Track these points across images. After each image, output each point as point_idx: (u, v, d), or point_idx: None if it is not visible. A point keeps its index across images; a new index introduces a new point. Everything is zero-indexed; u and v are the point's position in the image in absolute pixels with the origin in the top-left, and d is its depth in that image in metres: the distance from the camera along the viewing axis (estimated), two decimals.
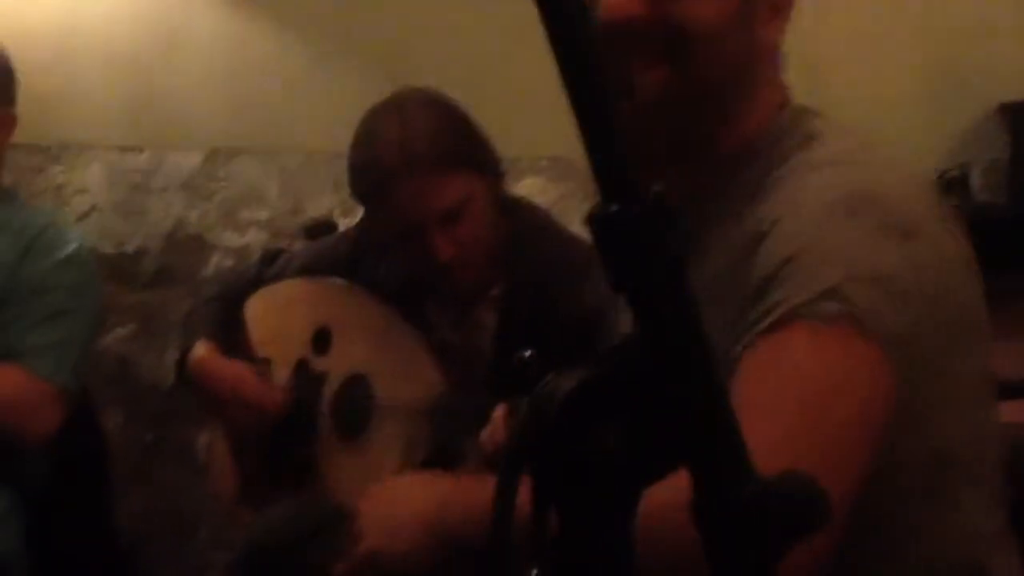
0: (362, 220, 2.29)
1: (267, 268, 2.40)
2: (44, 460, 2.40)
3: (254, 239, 3.06)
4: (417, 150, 1.97)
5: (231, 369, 2.22)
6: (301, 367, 2.26)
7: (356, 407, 2.14)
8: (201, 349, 2.26)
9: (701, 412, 0.62)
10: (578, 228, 2.60)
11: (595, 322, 1.96)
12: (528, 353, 0.72)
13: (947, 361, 1.22)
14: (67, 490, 2.44)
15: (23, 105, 2.43)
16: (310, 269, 2.31)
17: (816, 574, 1.04)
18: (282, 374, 2.28)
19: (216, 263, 3.07)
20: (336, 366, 2.20)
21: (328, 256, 2.30)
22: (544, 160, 3.08)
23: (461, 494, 1.35)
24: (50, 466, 2.41)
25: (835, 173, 1.24)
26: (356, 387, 2.16)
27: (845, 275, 1.15)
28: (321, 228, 2.73)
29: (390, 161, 1.98)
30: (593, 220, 0.64)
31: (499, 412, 1.73)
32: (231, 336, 2.32)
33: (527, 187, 2.99)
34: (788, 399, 1.12)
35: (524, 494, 0.67)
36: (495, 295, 2.10)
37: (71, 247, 2.45)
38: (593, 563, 0.63)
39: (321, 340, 2.24)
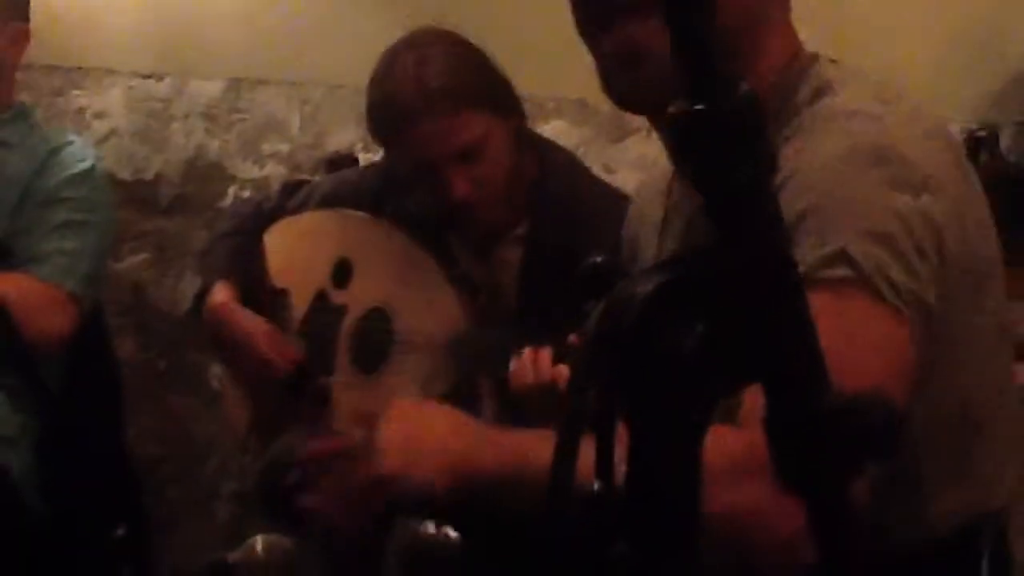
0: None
1: (288, 199, 2.39)
2: (55, 381, 2.41)
3: (273, 171, 3.04)
4: (433, 88, 1.97)
5: (245, 322, 2.22)
6: (320, 299, 2.25)
7: (375, 341, 2.14)
8: (219, 294, 2.25)
9: (781, 321, 0.60)
10: (599, 174, 2.59)
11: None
12: (601, 258, 0.69)
13: (963, 316, 1.21)
14: (80, 414, 2.44)
15: (46, 27, 2.41)
16: (332, 201, 2.30)
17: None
18: (300, 305, 2.27)
19: (234, 194, 3.06)
20: (356, 299, 2.20)
21: (352, 188, 2.29)
22: (568, 103, 3.05)
23: (493, 440, 1.28)
24: (62, 388, 2.42)
25: (849, 125, 1.22)
26: (375, 320, 2.15)
27: (855, 234, 1.13)
28: (342, 162, 2.71)
29: (406, 99, 1.98)
30: (677, 119, 0.62)
31: (528, 354, 1.71)
32: (249, 267, 2.31)
33: (550, 129, 2.97)
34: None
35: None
36: (520, 232, 2.09)
37: (86, 164, 2.46)
38: (662, 479, 0.62)
39: (341, 272, 2.23)
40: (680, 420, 0.61)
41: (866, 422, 0.59)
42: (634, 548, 0.62)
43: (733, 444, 0.90)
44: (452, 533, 1.47)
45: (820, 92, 1.27)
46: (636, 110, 1.39)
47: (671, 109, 0.62)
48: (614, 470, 0.63)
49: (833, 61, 1.33)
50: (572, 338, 1.77)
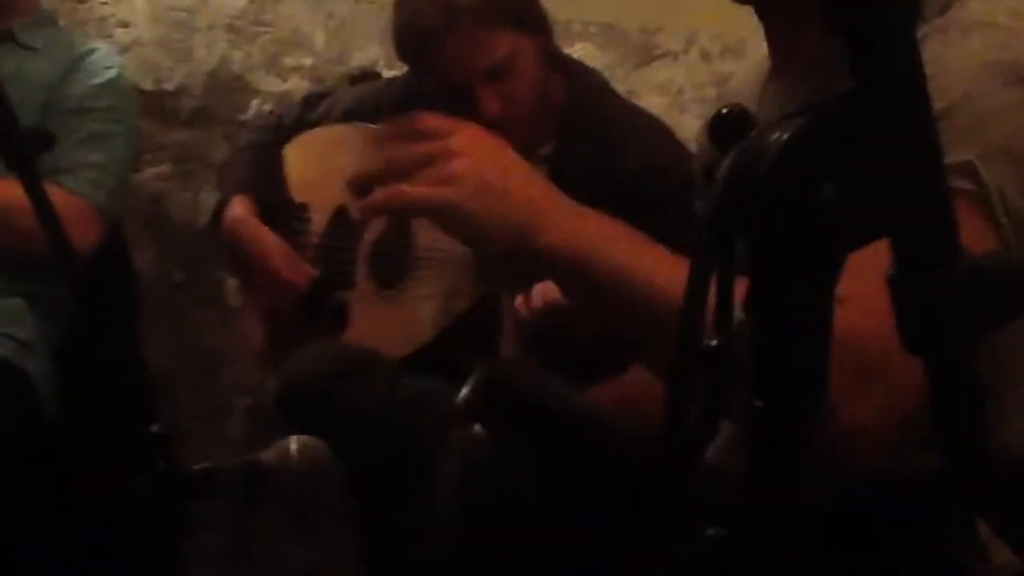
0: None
1: (310, 112, 2.37)
2: (75, 285, 2.40)
3: (296, 86, 3.02)
4: (459, 6, 1.96)
5: (262, 240, 2.21)
6: (339, 214, 2.24)
7: (395, 256, 2.13)
8: (237, 207, 2.25)
9: (916, 176, 0.59)
10: (625, 96, 2.56)
11: (646, 184, 1.94)
12: (729, 108, 0.67)
13: None
14: (97, 323, 2.44)
15: None
16: (354, 114, 2.28)
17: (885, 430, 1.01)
18: (320, 220, 2.26)
19: (256, 107, 3.03)
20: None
21: (374, 102, 2.27)
22: (595, 26, 3.02)
23: (577, 220, 1.18)
24: (80, 295, 2.41)
25: (988, 36, 1.19)
26: (396, 235, 2.15)
27: (984, 148, 1.12)
28: (365, 79, 2.69)
29: (433, 18, 1.97)
30: None
31: (539, 287, 1.70)
32: (269, 181, 2.30)
33: (577, 53, 2.94)
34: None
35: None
36: (546, 152, 2.08)
37: (112, 72, 2.44)
38: (791, 332, 0.60)
39: (362, 187, 2.21)
40: (811, 274, 0.60)
41: (997, 285, 0.58)
42: (761, 399, 0.61)
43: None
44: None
45: (948, 4, 1.23)
46: None
47: None
48: (732, 324, 0.62)
49: None
50: None
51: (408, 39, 2.05)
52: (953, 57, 1.18)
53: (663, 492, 0.69)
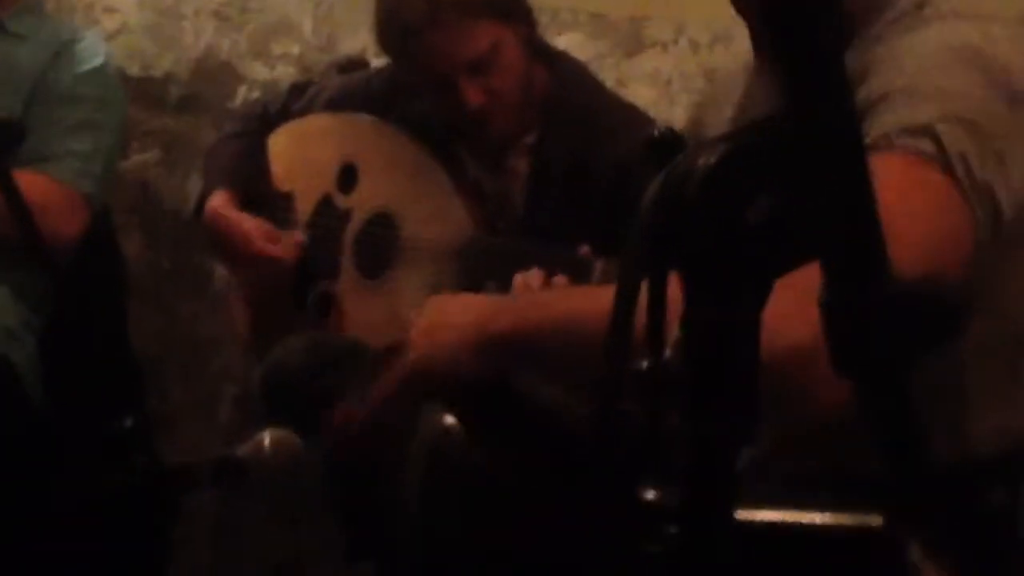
0: None
1: (295, 100, 2.37)
2: (61, 276, 2.40)
3: (283, 73, 3.01)
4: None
5: (241, 224, 2.21)
6: (324, 203, 2.24)
7: (380, 246, 2.13)
8: (218, 200, 2.24)
9: (844, 197, 0.59)
10: (613, 88, 2.55)
11: (628, 175, 1.95)
12: (662, 130, 0.68)
13: None
14: (84, 310, 2.44)
15: None
16: (339, 103, 2.28)
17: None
18: (305, 209, 2.26)
19: (243, 95, 3.03)
20: (361, 203, 2.18)
21: (360, 91, 2.27)
22: (584, 15, 3.01)
23: (511, 304, 1.36)
24: (67, 284, 2.41)
25: (953, 25, 1.20)
26: (381, 226, 2.14)
27: (942, 114, 1.12)
28: (353, 67, 2.68)
29: (415, 11, 1.97)
30: None
31: (534, 277, 1.71)
32: (252, 171, 2.30)
33: (565, 42, 2.93)
34: None
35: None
36: (529, 142, 2.08)
37: (98, 60, 2.43)
38: (720, 353, 0.60)
39: (347, 176, 2.21)
40: (740, 293, 0.60)
41: (928, 309, 0.58)
42: (689, 419, 0.61)
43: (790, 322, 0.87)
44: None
45: (924, 1, 1.24)
46: None
47: None
48: (663, 346, 0.63)
49: None
50: (583, 249, 1.76)
51: (390, 32, 2.05)
52: (916, 41, 1.19)
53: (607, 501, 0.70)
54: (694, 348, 0.61)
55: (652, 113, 2.45)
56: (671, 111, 2.91)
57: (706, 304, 0.61)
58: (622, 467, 0.67)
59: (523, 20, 2.06)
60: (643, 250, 0.63)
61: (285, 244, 2.19)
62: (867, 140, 1.10)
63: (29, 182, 2.31)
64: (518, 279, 1.72)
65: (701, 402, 0.61)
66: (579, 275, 1.65)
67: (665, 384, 0.64)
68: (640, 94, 2.86)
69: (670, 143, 0.66)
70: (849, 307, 0.59)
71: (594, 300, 1.18)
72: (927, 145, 1.11)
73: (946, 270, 1.08)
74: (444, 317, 1.36)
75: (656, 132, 0.69)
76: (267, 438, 1.25)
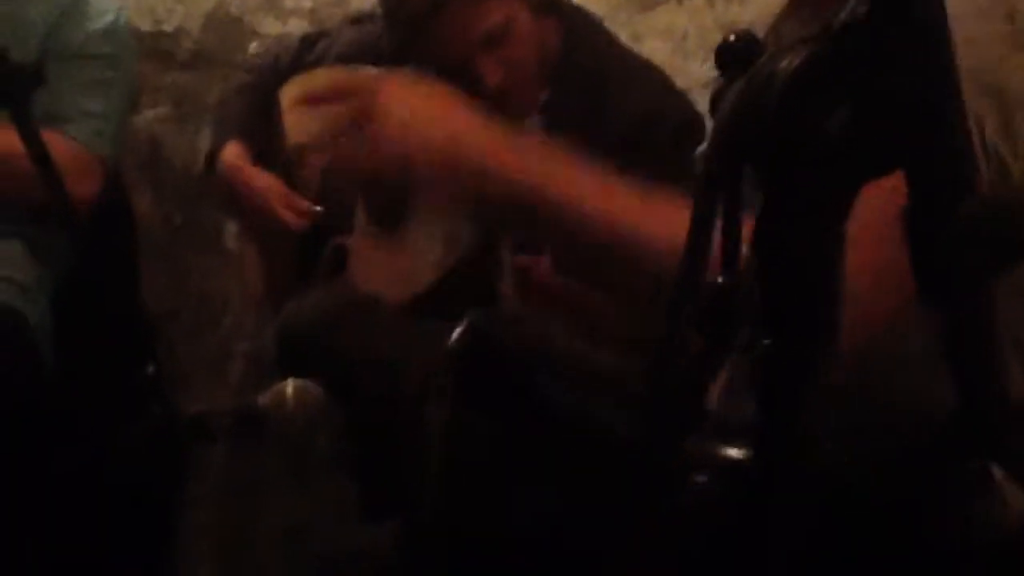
0: None
1: (307, 53, 2.35)
2: (73, 232, 2.39)
3: (295, 27, 2.98)
4: None
5: (257, 182, 2.19)
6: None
7: (394, 198, 2.12)
8: (231, 152, 2.23)
9: (931, 107, 0.57)
10: (627, 42, 2.53)
11: (643, 130, 1.92)
12: (739, 35, 0.65)
13: None
14: (96, 267, 2.43)
15: None
16: (351, 56, 2.26)
17: None
18: (317, 161, 2.24)
19: (255, 50, 3.00)
20: None
21: (372, 44, 2.25)
22: None
23: (512, 151, 1.21)
24: (79, 240, 2.40)
25: None
26: (394, 178, 2.13)
27: (963, 75, 1.11)
28: (365, 20, 2.66)
29: None
30: None
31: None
32: (265, 126, 2.28)
33: None
34: None
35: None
36: (543, 99, 2.05)
37: (110, 16, 2.41)
38: (801, 268, 0.58)
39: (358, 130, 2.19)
40: (822, 204, 0.58)
41: (1013, 222, 0.56)
42: (768, 335, 0.59)
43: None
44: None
45: None
46: None
47: None
48: (739, 260, 0.60)
49: None
50: None
51: (400, 19, 2.02)
52: None
53: (656, 440, 0.68)
54: (771, 264, 0.58)
55: (667, 68, 2.42)
56: (686, 66, 2.89)
57: (786, 218, 0.58)
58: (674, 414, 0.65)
59: None
60: (721, 161, 0.60)
61: (300, 212, 2.17)
62: None
63: (48, 142, 2.31)
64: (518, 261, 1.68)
65: (779, 318, 0.58)
66: None
67: (738, 303, 0.61)
68: (655, 48, 2.84)
69: (746, 48, 0.63)
70: (934, 219, 0.57)
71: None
72: None
73: None
74: (426, 111, 1.22)
75: (732, 36, 0.66)
76: (289, 387, 1.24)
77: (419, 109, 1.21)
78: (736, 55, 0.62)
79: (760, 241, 0.58)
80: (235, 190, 2.22)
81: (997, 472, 0.60)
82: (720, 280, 0.61)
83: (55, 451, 2.27)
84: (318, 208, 2.18)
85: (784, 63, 0.57)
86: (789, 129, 0.57)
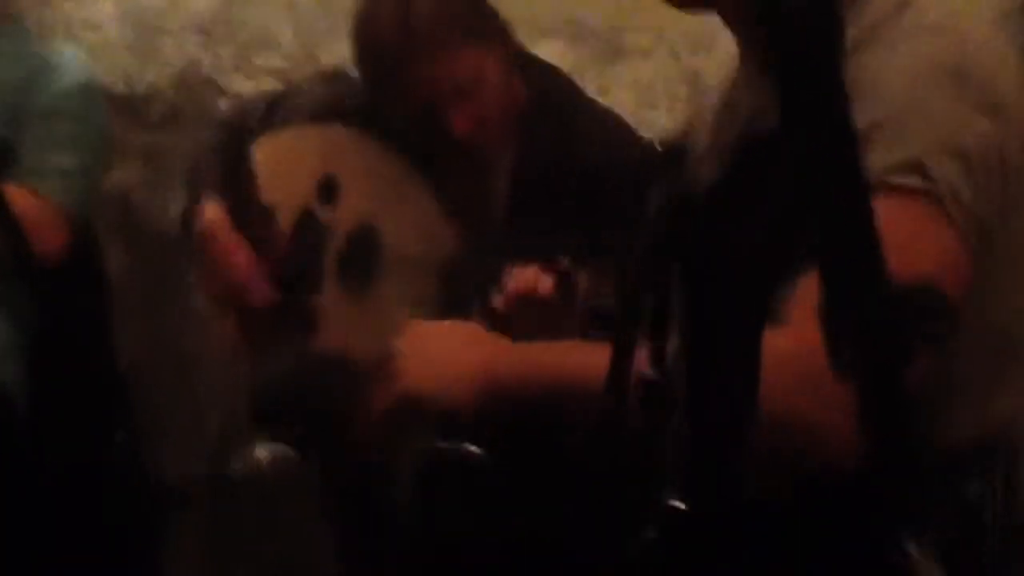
0: None
1: (276, 111, 2.36)
2: (45, 291, 2.40)
3: (265, 86, 3.01)
4: (420, 29, 1.94)
5: (235, 255, 2.20)
6: (306, 216, 2.24)
7: (363, 259, 2.13)
8: (210, 211, 2.23)
9: (842, 205, 0.59)
10: (594, 95, 2.56)
11: (605, 179, 1.95)
12: (664, 142, 0.69)
13: (1019, 237, 1.22)
14: (70, 327, 2.44)
15: None
16: (321, 115, 2.28)
17: None
18: (287, 221, 2.26)
19: (225, 108, 3.03)
20: (343, 216, 2.18)
21: (341, 102, 2.27)
22: (564, 23, 3.02)
23: (514, 351, 1.33)
24: (51, 299, 2.41)
25: (930, 41, 1.22)
26: (364, 239, 2.14)
27: (929, 146, 1.14)
28: (334, 77, 2.68)
29: (395, 42, 1.95)
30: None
31: (529, 272, 1.71)
32: (237, 184, 2.29)
33: (546, 50, 2.94)
34: None
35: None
36: (509, 152, 2.08)
37: (78, 75, 2.43)
38: (723, 366, 0.61)
39: (327, 189, 2.21)
40: (743, 308, 0.61)
41: (922, 310, 0.59)
42: (690, 438, 0.62)
43: (783, 345, 0.89)
44: (471, 448, 1.49)
45: (902, 6, 1.26)
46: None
47: None
48: (667, 358, 0.63)
49: None
50: (562, 260, 1.76)
51: (372, 65, 2.04)
52: (899, 61, 1.20)
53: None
54: (696, 357, 0.61)
55: (634, 120, 2.46)
56: (653, 117, 2.93)
57: (709, 313, 0.61)
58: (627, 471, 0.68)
59: (502, 39, 2.06)
60: (648, 260, 0.64)
61: (260, 289, 2.17)
62: None
63: (12, 196, 2.32)
64: (510, 280, 1.71)
65: (702, 406, 0.61)
66: (564, 285, 1.65)
67: (669, 391, 0.64)
68: (622, 100, 2.87)
69: (672, 155, 0.67)
70: (848, 310, 0.59)
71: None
72: (917, 182, 1.14)
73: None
74: (443, 352, 1.36)
75: (658, 144, 0.69)
76: (262, 452, 1.25)
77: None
78: (662, 162, 0.65)
79: (686, 337, 0.61)
80: (210, 256, 2.22)
81: (913, 551, 0.62)
82: (648, 374, 0.64)
83: (33, 511, 2.27)
84: (278, 294, 2.19)
85: (704, 172, 0.60)
86: (709, 234, 0.60)
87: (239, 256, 2.19)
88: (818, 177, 0.59)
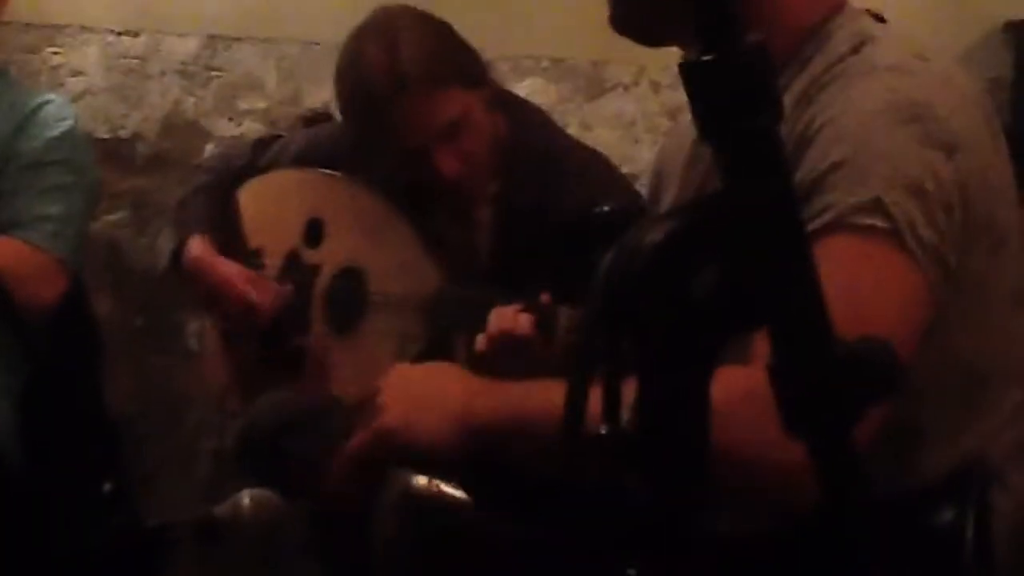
0: None
1: (262, 155, 2.38)
2: (36, 340, 2.40)
3: (250, 129, 3.03)
4: (407, 73, 1.95)
5: (225, 268, 2.21)
6: (292, 258, 2.25)
7: (349, 300, 2.14)
8: (196, 246, 2.24)
9: (786, 270, 0.61)
10: (576, 131, 2.58)
11: (588, 220, 1.96)
12: (606, 208, 0.71)
13: (984, 275, 1.24)
14: (59, 374, 2.44)
15: None
16: (305, 158, 2.29)
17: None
18: (273, 264, 2.27)
19: (210, 151, 3.05)
20: (329, 258, 2.20)
21: (325, 146, 2.28)
22: (545, 60, 3.05)
23: (492, 390, 1.33)
24: (42, 347, 2.41)
25: (888, 80, 1.24)
26: (349, 280, 2.16)
27: (888, 185, 1.16)
28: (318, 120, 2.70)
29: (381, 88, 1.96)
30: (687, 68, 0.63)
31: (509, 312, 1.72)
32: (224, 225, 2.31)
33: (527, 87, 2.97)
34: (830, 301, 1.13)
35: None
36: (492, 192, 2.09)
37: (66, 124, 2.44)
38: (671, 419, 0.63)
39: (313, 231, 2.23)
40: (689, 362, 0.62)
41: (869, 369, 0.61)
42: (645, 486, 0.64)
43: (738, 382, 0.90)
44: (447, 488, 1.50)
45: (860, 45, 1.29)
46: (630, 36, 1.42)
47: (681, 61, 0.63)
48: (620, 413, 0.65)
49: (878, 19, 1.35)
50: (544, 297, 1.78)
51: (358, 110, 2.04)
52: (853, 101, 1.23)
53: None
54: (646, 414, 0.63)
55: (616, 154, 2.48)
56: (635, 151, 2.95)
57: (656, 371, 0.63)
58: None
59: (484, 80, 2.07)
60: (597, 320, 0.65)
61: (267, 291, 2.19)
62: (817, 218, 1.17)
63: (4, 248, 2.33)
64: (492, 318, 1.72)
65: (654, 466, 0.63)
66: (544, 323, 1.66)
67: (622, 448, 0.66)
68: (604, 136, 2.90)
69: (618, 219, 0.69)
70: (795, 370, 0.61)
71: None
72: (877, 220, 1.16)
73: (903, 347, 1.11)
74: (423, 391, 1.36)
75: (605, 208, 0.72)
76: (246, 498, 1.26)
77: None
78: (609, 224, 0.67)
79: (639, 394, 0.62)
80: (202, 279, 2.22)
81: None
82: (603, 431, 0.65)
83: (23, 559, 2.26)
84: (289, 289, 2.20)
85: (650, 235, 0.62)
86: (656, 296, 0.62)
87: (229, 271, 2.20)
88: (760, 243, 0.61)
